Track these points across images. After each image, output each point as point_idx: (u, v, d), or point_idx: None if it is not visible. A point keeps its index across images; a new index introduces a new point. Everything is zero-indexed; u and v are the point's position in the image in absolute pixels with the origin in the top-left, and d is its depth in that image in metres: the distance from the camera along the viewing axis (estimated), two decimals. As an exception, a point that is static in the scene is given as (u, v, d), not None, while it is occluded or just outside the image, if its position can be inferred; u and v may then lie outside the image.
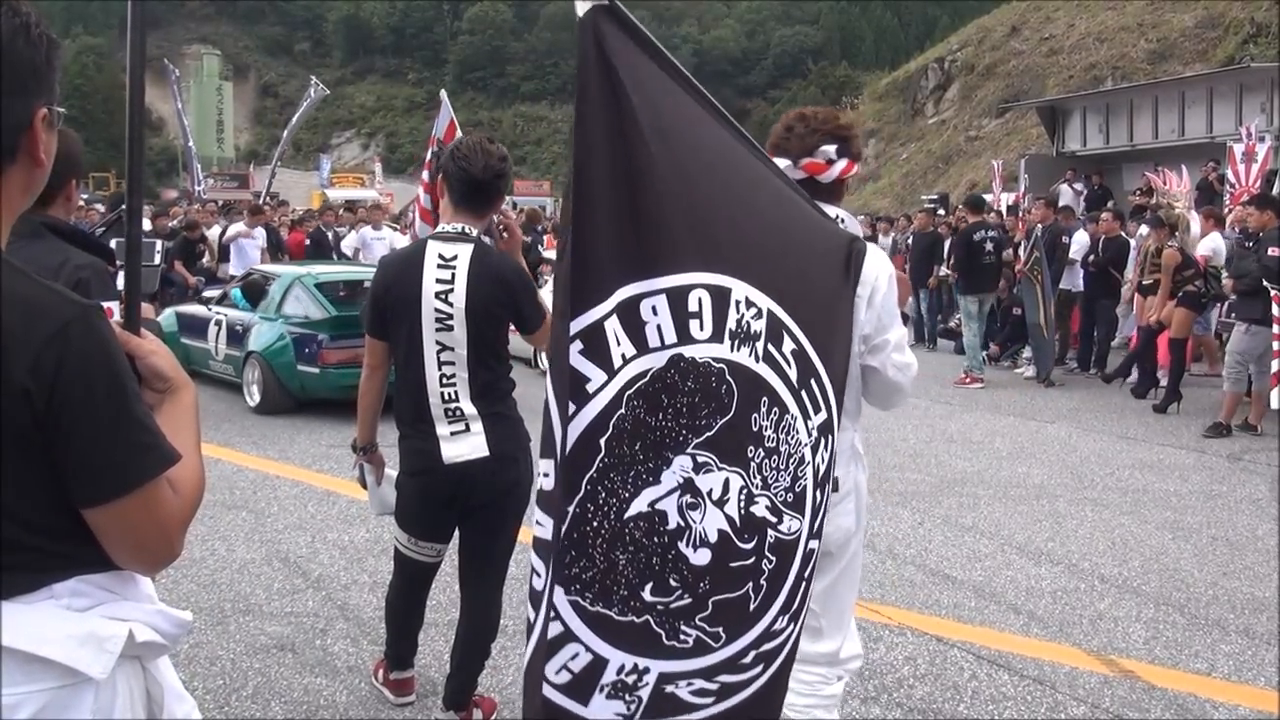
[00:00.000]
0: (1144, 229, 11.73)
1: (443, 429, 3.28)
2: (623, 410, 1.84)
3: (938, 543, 5.73)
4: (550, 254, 14.16)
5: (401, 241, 14.03)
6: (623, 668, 1.89)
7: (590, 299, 1.81)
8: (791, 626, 2.09)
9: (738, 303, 1.92)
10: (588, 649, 1.87)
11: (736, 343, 1.91)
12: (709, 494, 1.91)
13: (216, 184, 40.90)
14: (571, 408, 1.81)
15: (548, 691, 1.87)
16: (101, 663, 1.37)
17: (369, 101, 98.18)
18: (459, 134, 10.31)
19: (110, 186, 37.19)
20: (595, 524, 1.84)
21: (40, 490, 1.34)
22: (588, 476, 1.83)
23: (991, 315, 12.91)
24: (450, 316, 3.23)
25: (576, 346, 1.80)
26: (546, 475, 1.85)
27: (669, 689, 1.93)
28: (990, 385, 11.40)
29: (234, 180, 44.91)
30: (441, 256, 3.26)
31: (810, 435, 2.04)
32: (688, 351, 1.87)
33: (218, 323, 10.34)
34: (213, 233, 14.84)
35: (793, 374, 2.01)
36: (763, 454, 1.96)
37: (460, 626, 3.56)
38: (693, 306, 1.87)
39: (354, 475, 3.79)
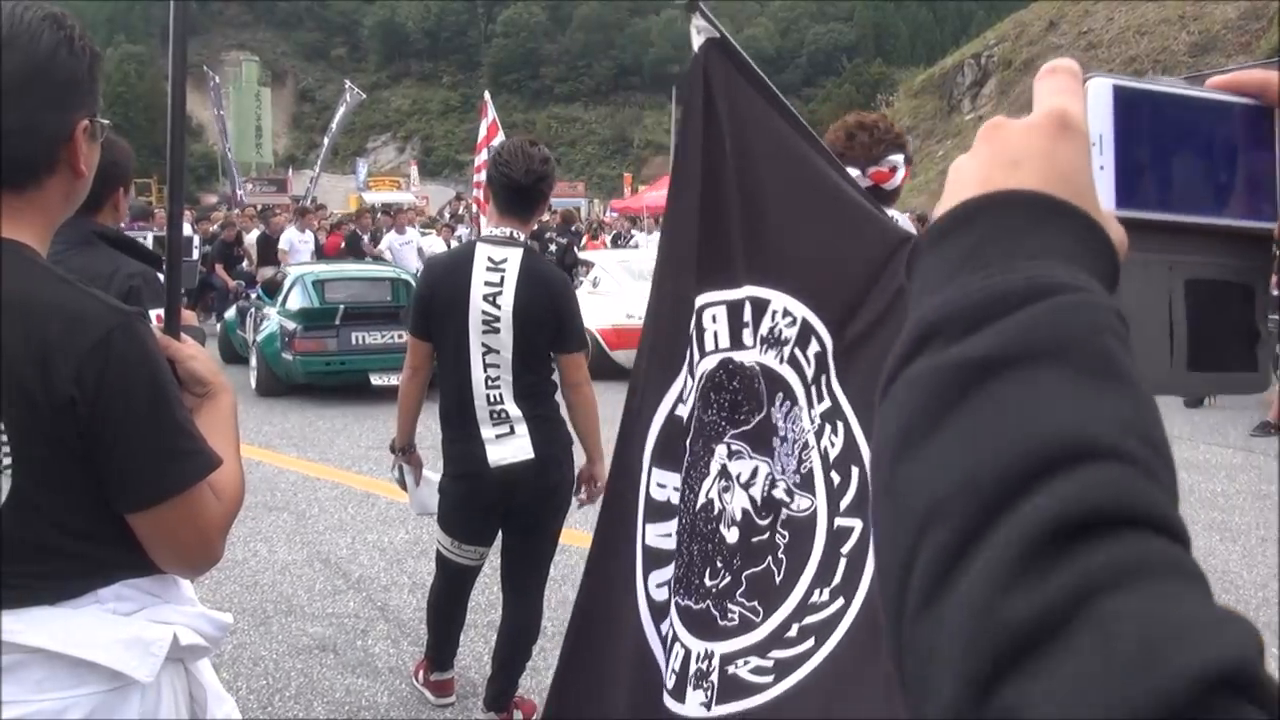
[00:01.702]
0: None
1: (488, 431, 3.28)
2: (697, 411, 2.06)
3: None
4: (586, 255, 14.18)
5: (435, 245, 14.14)
6: (698, 655, 2.04)
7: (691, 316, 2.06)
8: (839, 601, 2.16)
9: (774, 312, 2.11)
10: (683, 645, 2.03)
11: (766, 347, 2.11)
12: (737, 478, 2.09)
13: (255, 189, 41.41)
14: (688, 416, 2.05)
15: (668, 702, 2.01)
16: (147, 666, 1.38)
17: (404, 105, 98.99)
18: (500, 134, 10.50)
19: (152, 192, 37.70)
20: (683, 523, 2.04)
21: (85, 497, 1.35)
22: (684, 479, 2.05)
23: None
24: (497, 319, 3.23)
25: (695, 356, 2.05)
26: (662, 486, 2.06)
27: (730, 670, 2.06)
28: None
29: (272, 185, 45.41)
30: (491, 259, 3.26)
31: (813, 422, 2.20)
32: (736, 356, 2.07)
33: (250, 315, 11.37)
34: (251, 237, 15.01)
35: (809, 373, 2.18)
36: (778, 442, 2.13)
37: (502, 628, 3.56)
38: (745, 317, 2.10)
39: (393, 476, 3.81)
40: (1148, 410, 0.45)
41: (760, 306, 2.09)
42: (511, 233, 3.31)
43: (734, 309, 2.09)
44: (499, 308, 3.23)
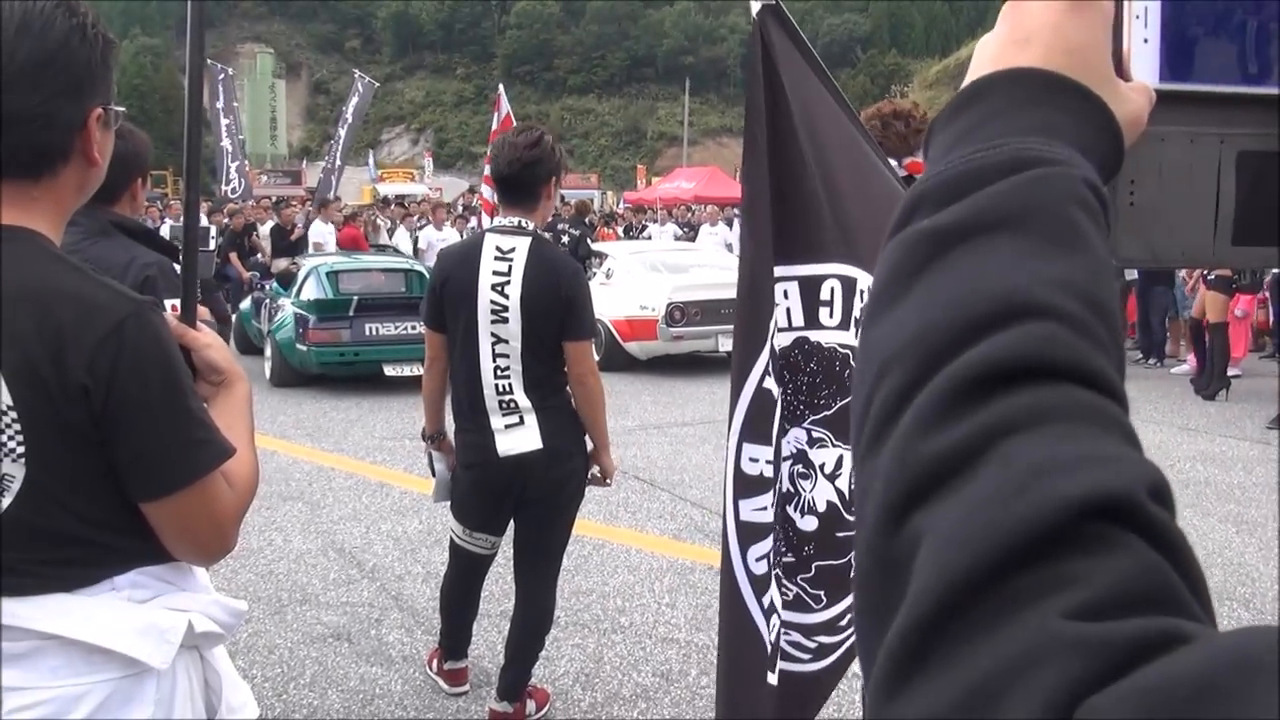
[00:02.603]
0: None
1: (497, 421, 3.28)
2: (764, 384, 2.03)
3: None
4: (600, 246, 14.17)
5: (442, 237, 14.14)
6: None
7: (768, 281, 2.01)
8: None
9: (862, 292, 2.05)
10: (779, 616, 2.05)
11: (858, 328, 2.06)
12: (821, 467, 2.05)
13: (270, 180, 41.52)
14: (778, 391, 2.02)
15: (772, 680, 2.03)
16: (163, 653, 1.39)
17: (418, 97, 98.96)
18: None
19: (168, 184, 37.88)
20: (775, 497, 2.04)
21: (100, 485, 1.35)
22: (775, 453, 2.03)
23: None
24: (505, 309, 3.23)
25: (774, 329, 2.01)
26: (754, 460, 2.03)
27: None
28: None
29: (287, 177, 45.56)
30: (499, 249, 3.26)
31: None
32: (813, 335, 2.04)
33: (264, 306, 11.40)
34: (265, 228, 15.05)
35: None
36: None
37: (515, 618, 3.57)
38: (824, 295, 2.04)
39: (425, 463, 3.79)
40: (1100, 276, 0.47)
41: (850, 286, 2.04)
42: (520, 222, 3.29)
43: (809, 285, 2.04)
44: (507, 297, 3.22)
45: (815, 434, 2.04)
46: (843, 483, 2.06)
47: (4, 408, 1.29)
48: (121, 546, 1.39)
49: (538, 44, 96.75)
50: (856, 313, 2.04)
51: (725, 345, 11.53)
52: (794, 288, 2.02)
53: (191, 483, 1.37)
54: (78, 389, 1.30)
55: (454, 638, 3.75)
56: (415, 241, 15.79)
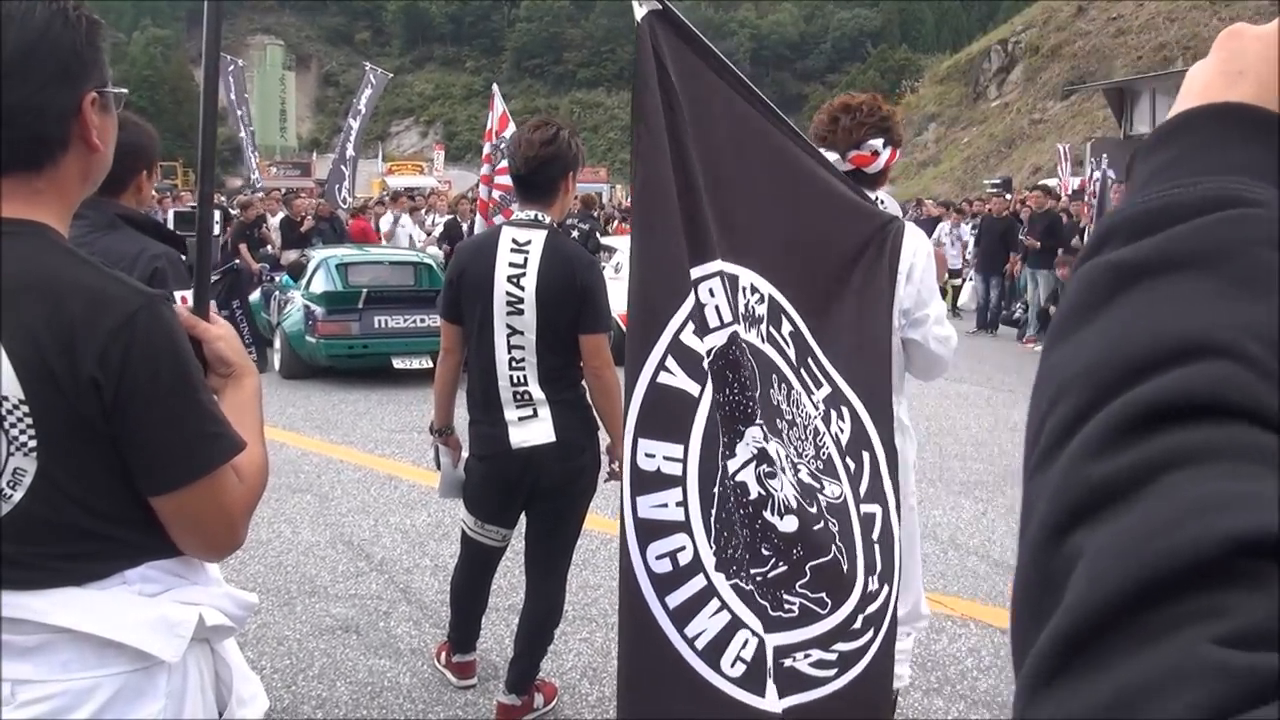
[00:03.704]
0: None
1: (511, 413, 3.29)
2: (712, 389, 1.97)
3: (1001, 533, 5.64)
4: (610, 241, 14.16)
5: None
6: (759, 643, 1.99)
7: (683, 285, 1.96)
8: (885, 588, 2.14)
9: (744, 289, 2.05)
10: (752, 632, 1.96)
11: (747, 324, 2.04)
12: (778, 459, 2.01)
13: (279, 172, 41.55)
14: (696, 390, 1.96)
15: (727, 689, 1.93)
16: (173, 647, 1.39)
17: (427, 90, 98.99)
18: (511, 126, 10.47)
19: (178, 175, 37.96)
20: (702, 497, 1.97)
21: (111, 479, 1.35)
22: (698, 452, 1.97)
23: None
24: (521, 300, 3.23)
25: (690, 328, 1.95)
26: (651, 456, 1.96)
27: (787, 663, 2.00)
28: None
29: (296, 169, 45.61)
30: (515, 241, 3.27)
31: (818, 408, 2.14)
32: (741, 331, 2.01)
33: (274, 298, 11.46)
34: (274, 220, 15.07)
35: (791, 354, 2.12)
36: (786, 426, 2.07)
37: (524, 611, 3.57)
38: (728, 292, 2.01)
39: (431, 456, 3.78)
40: None
41: (732, 282, 2.02)
42: (536, 215, 3.30)
43: (731, 282, 2.02)
44: (523, 289, 3.23)
45: (766, 429, 2.00)
46: (789, 475, 2.02)
47: (15, 402, 1.29)
48: (132, 540, 1.38)
49: (547, 37, 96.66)
50: (741, 308, 2.02)
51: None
52: (718, 285, 1.99)
53: (200, 477, 1.36)
54: (88, 382, 1.29)
55: (462, 630, 3.75)
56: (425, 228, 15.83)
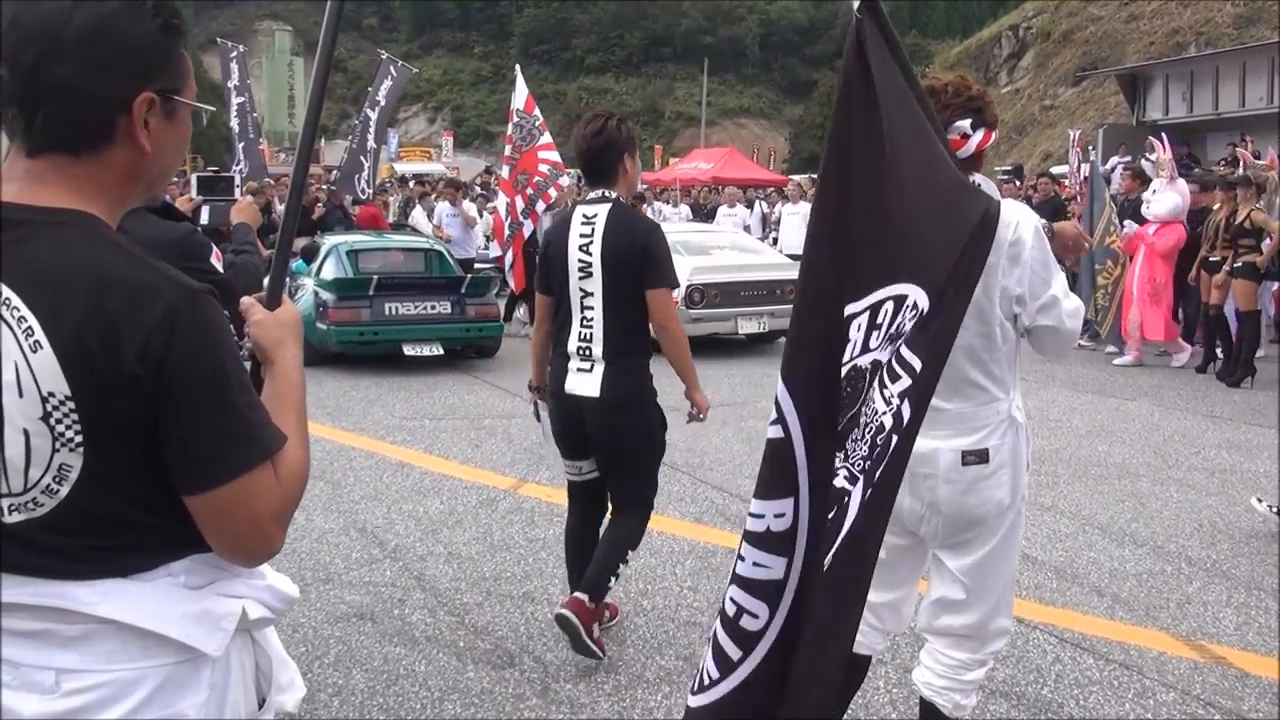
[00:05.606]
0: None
1: (573, 364, 3.85)
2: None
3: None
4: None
5: (454, 213, 14.10)
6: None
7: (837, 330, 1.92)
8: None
9: (907, 307, 1.94)
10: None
11: (887, 340, 1.94)
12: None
13: (289, 158, 41.50)
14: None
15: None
16: (216, 640, 1.39)
17: (436, 75, 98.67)
18: (537, 109, 10.56)
19: (186, 162, 37.90)
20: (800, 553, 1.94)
21: (154, 472, 1.33)
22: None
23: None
24: (590, 265, 3.78)
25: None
26: (780, 516, 1.91)
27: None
28: (1067, 361, 11.12)
29: (305, 155, 45.50)
30: (585, 216, 3.84)
31: (889, 404, 2.03)
32: (859, 361, 1.93)
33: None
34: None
35: (910, 360, 2.01)
36: (856, 432, 1.98)
37: (606, 529, 4.03)
38: (879, 319, 1.93)
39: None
40: None
41: (900, 302, 1.93)
42: (603, 192, 3.85)
43: (872, 312, 1.92)
44: (590, 255, 3.76)
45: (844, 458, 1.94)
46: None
47: (62, 399, 1.28)
48: (178, 532, 1.37)
49: (555, 23, 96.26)
50: (892, 329, 1.92)
51: (745, 328, 11.48)
52: (864, 319, 1.91)
53: (227, 481, 1.32)
54: (130, 375, 1.27)
55: (573, 579, 4.03)
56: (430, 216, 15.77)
